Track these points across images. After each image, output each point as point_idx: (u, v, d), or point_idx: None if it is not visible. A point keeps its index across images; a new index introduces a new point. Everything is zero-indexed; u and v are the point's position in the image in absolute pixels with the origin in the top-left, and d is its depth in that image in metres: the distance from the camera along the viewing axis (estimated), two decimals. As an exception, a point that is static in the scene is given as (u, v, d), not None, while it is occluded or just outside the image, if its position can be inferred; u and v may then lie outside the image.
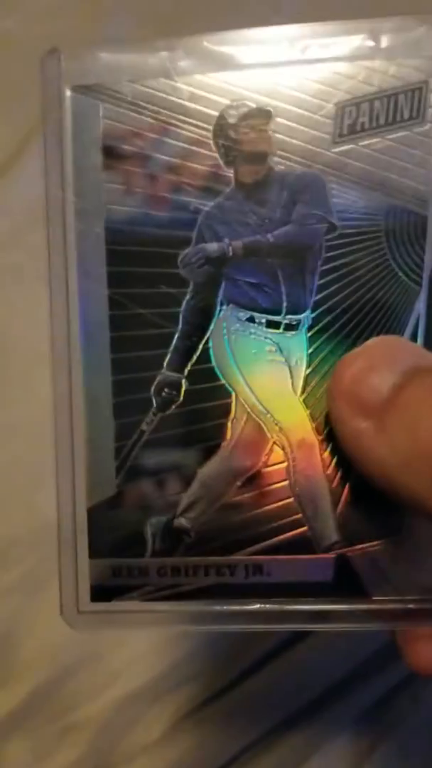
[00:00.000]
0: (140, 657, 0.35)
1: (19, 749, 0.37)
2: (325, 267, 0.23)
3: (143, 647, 0.34)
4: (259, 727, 0.36)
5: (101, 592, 0.23)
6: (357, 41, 0.22)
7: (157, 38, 0.23)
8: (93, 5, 0.44)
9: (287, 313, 0.23)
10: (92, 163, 0.23)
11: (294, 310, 0.23)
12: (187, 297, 0.23)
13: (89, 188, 0.23)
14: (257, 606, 0.23)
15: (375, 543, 0.23)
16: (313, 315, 0.23)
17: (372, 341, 0.22)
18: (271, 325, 0.23)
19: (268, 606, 0.23)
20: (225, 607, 0.23)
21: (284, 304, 0.23)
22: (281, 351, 0.23)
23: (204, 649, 0.35)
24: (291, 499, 0.23)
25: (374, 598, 0.23)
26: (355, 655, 0.35)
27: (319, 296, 0.23)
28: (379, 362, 0.21)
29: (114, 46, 0.24)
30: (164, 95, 0.23)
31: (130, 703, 0.37)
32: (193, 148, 0.23)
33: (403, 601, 0.23)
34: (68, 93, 0.23)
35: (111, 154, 0.23)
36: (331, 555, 0.23)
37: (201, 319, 0.23)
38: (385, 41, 0.22)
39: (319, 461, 0.23)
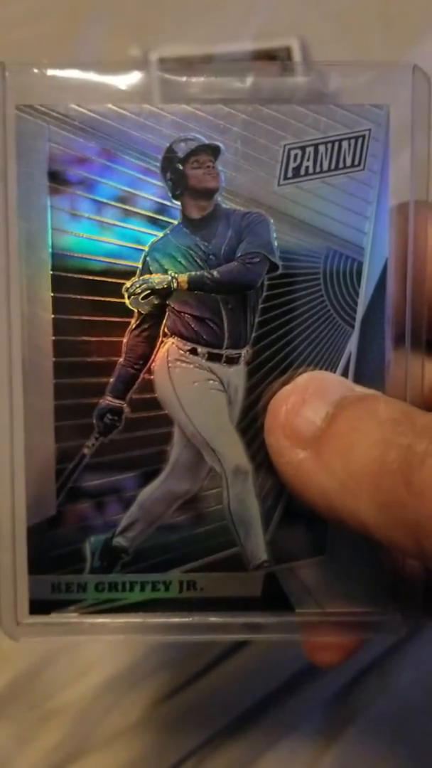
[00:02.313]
0: (114, 647, 0.37)
1: (2, 735, 0.38)
2: (265, 305, 0.24)
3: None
4: (229, 714, 0.39)
5: (39, 606, 0.24)
6: (306, 84, 0.23)
7: (107, 62, 0.23)
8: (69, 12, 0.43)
9: (228, 347, 0.24)
10: (38, 186, 0.23)
11: (235, 344, 0.24)
12: (132, 326, 0.24)
13: (35, 212, 0.23)
14: (189, 619, 0.25)
15: (301, 562, 0.25)
16: (253, 350, 0.24)
17: (302, 377, 0.23)
18: (212, 357, 0.24)
19: (198, 618, 0.25)
20: (160, 620, 0.24)
21: (226, 338, 0.24)
22: (221, 382, 0.24)
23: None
24: (225, 521, 0.24)
25: (298, 611, 0.25)
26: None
27: (259, 332, 0.24)
28: (310, 396, 0.22)
29: (63, 64, 0.23)
30: (112, 122, 0.23)
31: (107, 690, 0.39)
32: (141, 178, 0.23)
33: (324, 614, 0.25)
34: (13, 112, 0.23)
35: (57, 178, 0.23)
36: (261, 573, 0.24)
37: (144, 349, 0.24)
38: (333, 86, 0.23)
39: (252, 487, 0.24)
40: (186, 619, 0.25)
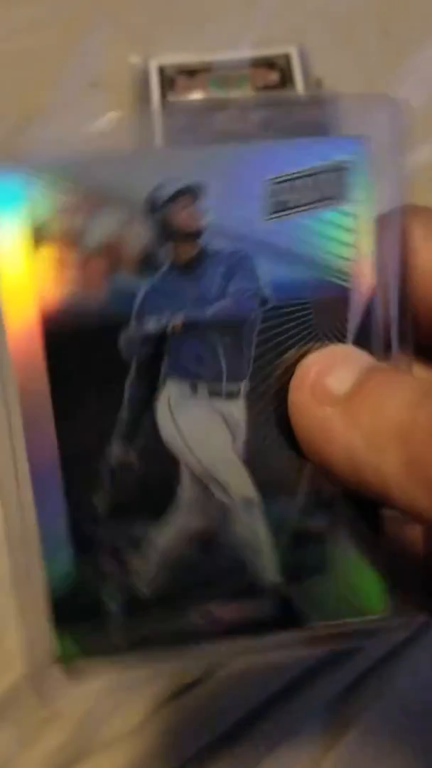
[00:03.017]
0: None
1: (3, 738, 0.39)
2: (260, 338, 0.24)
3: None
4: (229, 718, 0.40)
5: (68, 661, 0.25)
6: (282, 120, 0.23)
7: (82, 111, 0.23)
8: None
9: (227, 382, 0.24)
10: (21, 243, 0.23)
11: (233, 379, 0.24)
12: (131, 374, 0.24)
13: (20, 271, 0.23)
14: (212, 646, 0.25)
15: (310, 580, 0.26)
16: (251, 383, 0.24)
17: (330, 347, 0.24)
18: (213, 394, 0.24)
19: (220, 645, 0.25)
20: (183, 650, 0.25)
21: (224, 374, 0.24)
22: (223, 418, 0.24)
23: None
24: (237, 551, 0.25)
25: (308, 626, 0.26)
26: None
27: (256, 365, 0.24)
28: (342, 359, 0.23)
29: (37, 117, 0.23)
30: (91, 171, 0.23)
31: (109, 692, 0.39)
32: (126, 226, 0.23)
33: (333, 626, 0.26)
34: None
35: (41, 232, 0.23)
36: (273, 595, 0.25)
37: (145, 394, 0.24)
38: (307, 118, 0.23)
39: (260, 515, 0.25)
40: (209, 647, 0.25)
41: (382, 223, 0.24)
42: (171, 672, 0.25)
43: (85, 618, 0.24)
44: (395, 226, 0.24)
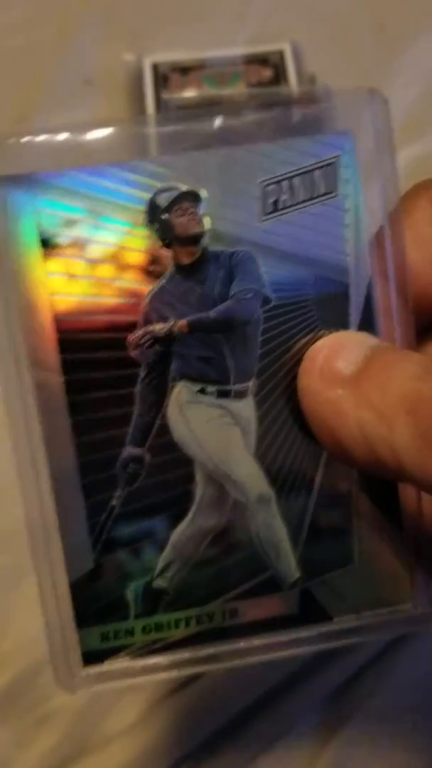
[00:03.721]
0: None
1: (1, 737, 0.39)
2: (264, 336, 0.25)
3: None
4: (226, 714, 0.39)
5: (92, 657, 0.25)
6: (271, 121, 0.24)
7: (80, 123, 0.24)
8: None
9: (235, 382, 0.25)
10: (31, 254, 0.24)
11: (241, 378, 0.25)
12: (141, 376, 0.24)
13: (31, 280, 0.24)
14: (235, 645, 0.26)
15: (332, 573, 0.26)
16: (259, 381, 0.25)
17: (335, 333, 0.25)
18: (221, 394, 0.25)
19: (244, 644, 0.26)
20: (208, 651, 0.25)
21: (232, 374, 0.25)
22: (233, 416, 0.25)
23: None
24: (255, 548, 0.25)
25: (335, 619, 0.26)
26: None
27: (262, 363, 0.25)
28: (347, 343, 0.24)
29: (37, 131, 0.24)
30: (93, 182, 0.24)
31: (105, 691, 0.39)
32: (130, 232, 0.24)
33: (360, 618, 0.26)
34: (-5, 186, 0.23)
35: (49, 244, 0.24)
36: (296, 590, 0.26)
37: (156, 396, 0.25)
38: (296, 118, 0.24)
39: (276, 511, 0.25)
40: (232, 646, 0.26)
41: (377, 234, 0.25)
42: (189, 672, 0.25)
43: (106, 614, 0.25)
44: (394, 214, 0.24)
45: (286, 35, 0.45)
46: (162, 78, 0.47)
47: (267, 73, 0.45)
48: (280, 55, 0.45)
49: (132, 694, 0.39)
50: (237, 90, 0.44)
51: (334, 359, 0.23)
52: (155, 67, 0.46)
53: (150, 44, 0.46)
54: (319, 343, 0.24)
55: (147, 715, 0.39)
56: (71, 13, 0.46)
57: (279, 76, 0.45)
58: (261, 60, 0.45)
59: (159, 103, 0.45)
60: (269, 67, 0.45)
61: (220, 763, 0.39)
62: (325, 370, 0.23)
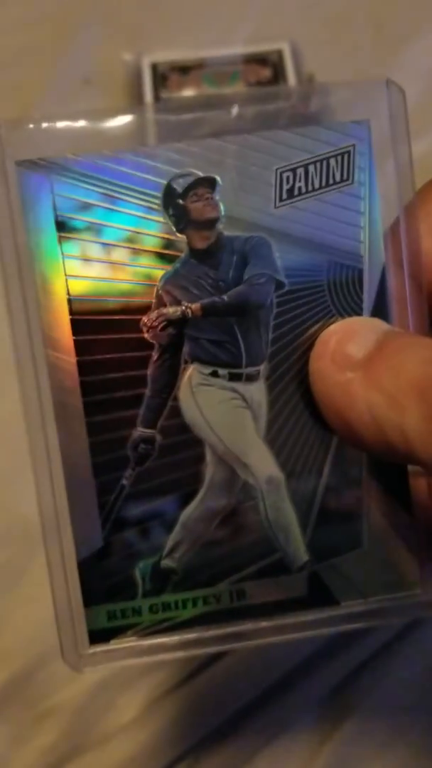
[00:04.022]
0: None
1: (0, 735, 0.39)
2: (276, 321, 0.25)
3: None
4: (224, 712, 0.39)
5: (99, 635, 0.25)
6: (288, 109, 0.24)
7: (99, 109, 0.24)
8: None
9: (247, 366, 0.25)
10: (48, 237, 0.24)
11: (253, 362, 0.25)
12: (153, 358, 0.25)
13: (48, 262, 0.24)
14: (242, 627, 0.26)
15: (341, 557, 0.26)
16: (270, 365, 0.25)
17: (348, 318, 0.25)
18: (233, 377, 0.25)
19: (251, 625, 0.26)
20: (215, 632, 0.26)
21: (243, 357, 0.25)
22: (244, 399, 0.25)
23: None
24: (264, 530, 0.26)
25: (344, 604, 0.26)
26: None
27: (274, 347, 0.25)
28: (360, 327, 0.24)
29: (56, 116, 0.24)
30: (110, 167, 0.24)
31: (104, 687, 0.39)
32: (145, 216, 0.24)
33: (368, 602, 0.26)
34: (13, 168, 0.24)
35: (65, 227, 0.24)
36: (304, 573, 0.26)
37: (168, 378, 0.25)
38: (314, 107, 0.24)
39: (286, 494, 0.26)
40: (239, 628, 0.26)
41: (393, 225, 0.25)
42: (195, 653, 0.25)
43: (114, 593, 0.25)
44: (410, 205, 0.25)
45: (284, 35, 0.45)
46: (161, 77, 0.47)
47: (266, 72, 0.45)
48: (279, 54, 0.45)
49: (131, 693, 0.39)
50: (236, 89, 0.44)
51: (346, 343, 0.23)
52: (154, 67, 0.46)
53: (149, 44, 0.46)
54: (332, 327, 0.24)
55: (146, 713, 0.40)
56: (70, 12, 0.46)
57: (278, 75, 0.45)
58: (260, 59, 0.45)
59: (158, 102, 0.45)
60: (268, 66, 0.45)
61: (218, 760, 0.39)
62: (337, 353, 0.23)
